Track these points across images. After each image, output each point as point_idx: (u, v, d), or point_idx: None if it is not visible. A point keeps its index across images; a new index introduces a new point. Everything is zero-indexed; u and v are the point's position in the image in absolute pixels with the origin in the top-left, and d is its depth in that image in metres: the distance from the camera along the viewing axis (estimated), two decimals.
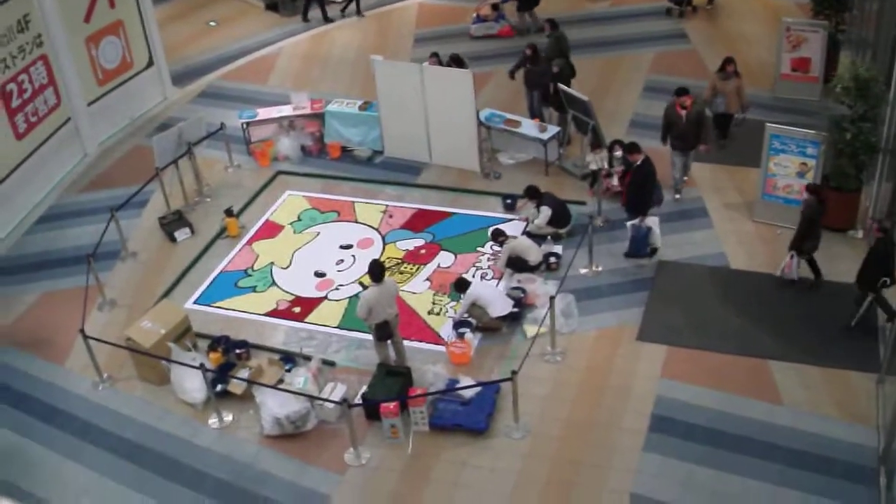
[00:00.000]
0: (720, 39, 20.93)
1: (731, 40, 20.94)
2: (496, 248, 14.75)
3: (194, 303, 14.65)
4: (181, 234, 15.99)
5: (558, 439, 11.72)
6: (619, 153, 15.22)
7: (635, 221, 14.24)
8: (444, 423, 11.98)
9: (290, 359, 13.19)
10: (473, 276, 14.31)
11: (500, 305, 13.37)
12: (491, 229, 14.92)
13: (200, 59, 22.48)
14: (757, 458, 11.20)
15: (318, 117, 18.04)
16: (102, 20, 18.66)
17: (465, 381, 12.42)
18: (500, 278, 14.38)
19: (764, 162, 14.74)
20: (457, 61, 17.70)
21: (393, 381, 12.37)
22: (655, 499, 10.84)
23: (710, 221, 15.13)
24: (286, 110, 18.13)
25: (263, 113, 18.19)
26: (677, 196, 15.54)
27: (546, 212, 14.86)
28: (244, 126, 18.02)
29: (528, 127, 16.85)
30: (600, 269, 14.37)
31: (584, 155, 16.52)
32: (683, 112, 15.09)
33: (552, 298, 12.71)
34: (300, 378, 12.49)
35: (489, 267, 14.68)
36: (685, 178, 15.83)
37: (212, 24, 24.34)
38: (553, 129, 16.69)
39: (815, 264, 13.74)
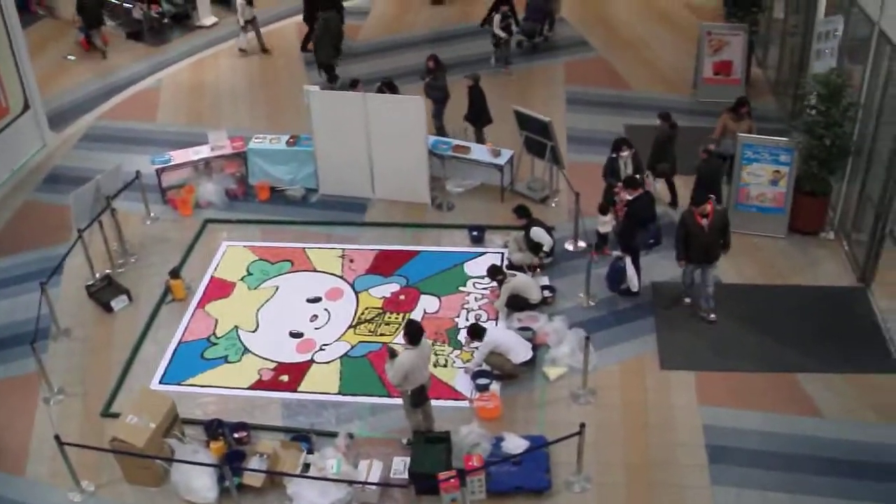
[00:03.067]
0: (621, 45, 20.86)
1: (633, 46, 20.96)
2: (492, 286, 13.82)
3: (160, 383, 12.80)
4: (118, 303, 13.98)
5: (624, 486, 11.07)
6: (625, 153, 14.40)
7: (617, 253, 13.82)
8: (503, 487, 10.97)
9: (303, 437, 11.71)
10: (488, 322, 13.30)
11: (521, 351, 12.47)
12: (487, 267, 13.84)
13: (69, 99, 20.09)
14: (822, 476, 11.03)
15: (240, 156, 16.38)
16: None
17: (511, 438, 11.46)
18: (496, 319, 13.51)
19: (736, 172, 14.69)
20: (389, 87, 16.57)
21: (437, 450, 11.20)
22: None
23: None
24: (204, 151, 16.30)
25: (178, 156, 16.27)
26: (713, 317, 13.38)
27: (540, 232, 13.99)
28: (158, 172, 16.07)
29: (480, 152, 15.98)
30: (594, 299, 13.78)
31: (531, 177, 16.05)
32: (705, 221, 12.83)
33: (587, 339, 12.00)
34: (332, 460, 11.11)
35: (480, 307, 13.74)
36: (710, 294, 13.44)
37: (70, 58, 21.76)
38: (507, 153, 15.88)
39: (674, 187, 15.52)
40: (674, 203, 15.59)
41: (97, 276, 14.39)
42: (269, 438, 11.77)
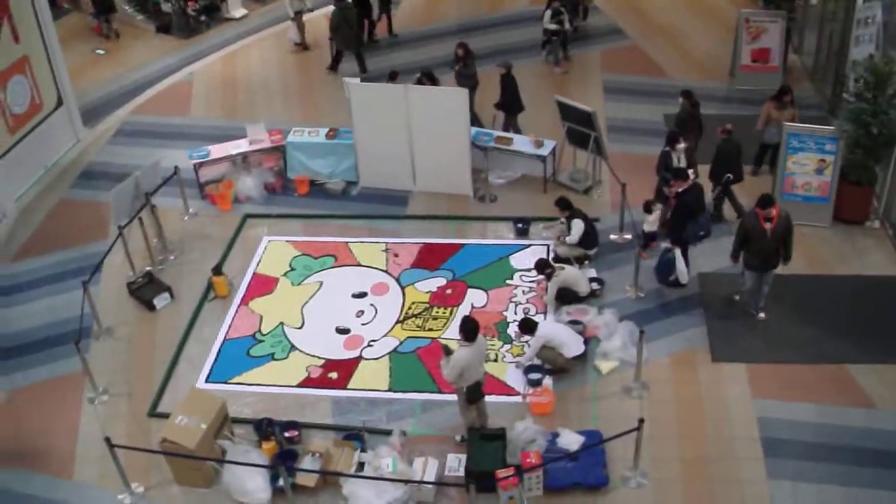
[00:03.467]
0: (656, 33, 20.60)
1: (667, 33, 20.70)
2: (539, 279, 13.67)
3: (206, 382, 12.68)
4: (160, 301, 13.87)
5: (681, 481, 10.94)
6: (682, 145, 14.17)
7: (666, 244, 13.66)
8: (561, 483, 10.85)
9: (356, 436, 11.58)
10: (536, 316, 13.18)
11: (574, 345, 12.33)
12: (535, 261, 13.80)
13: (101, 94, 19.91)
14: (877, 468, 10.95)
15: (278, 150, 16.21)
16: (8, 57, 16.01)
17: (566, 433, 11.34)
18: (544, 312, 13.39)
19: (782, 161, 14.55)
20: (429, 77, 16.41)
21: (493, 447, 11.08)
22: None
23: (731, 227, 14.59)
24: (242, 145, 16.13)
25: (216, 150, 16.10)
26: (762, 315, 13.11)
27: (579, 225, 13.85)
28: (195, 167, 15.92)
29: (522, 143, 15.81)
30: (642, 291, 13.64)
31: (573, 168, 15.92)
32: (769, 225, 12.30)
33: (642, 333, 11.80)
34: (387, 459, 11.00)
35: (528, 301, 13.62)
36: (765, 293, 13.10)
37: (100, 52, 21.60)
38: (549, 144, 15.70)
39: (695, 165, 14.68)
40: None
41: (138, 273, 14.28)
42: (320, 437, 11.68)
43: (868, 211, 14.66)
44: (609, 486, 10.88)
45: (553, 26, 19.03)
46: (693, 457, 11.23)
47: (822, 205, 14.52)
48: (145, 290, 14.03)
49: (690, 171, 13.60)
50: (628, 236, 14.58)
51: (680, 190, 13.25)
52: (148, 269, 14.43)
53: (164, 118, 18.73)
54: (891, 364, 12.27)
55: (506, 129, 16.63)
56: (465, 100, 14.92)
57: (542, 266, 13.51)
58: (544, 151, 15.60)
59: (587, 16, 21.05)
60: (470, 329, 10.89)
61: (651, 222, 14.04)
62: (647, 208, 14.04)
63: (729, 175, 14.44)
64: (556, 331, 12.46)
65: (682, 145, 14.04)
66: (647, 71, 19.01)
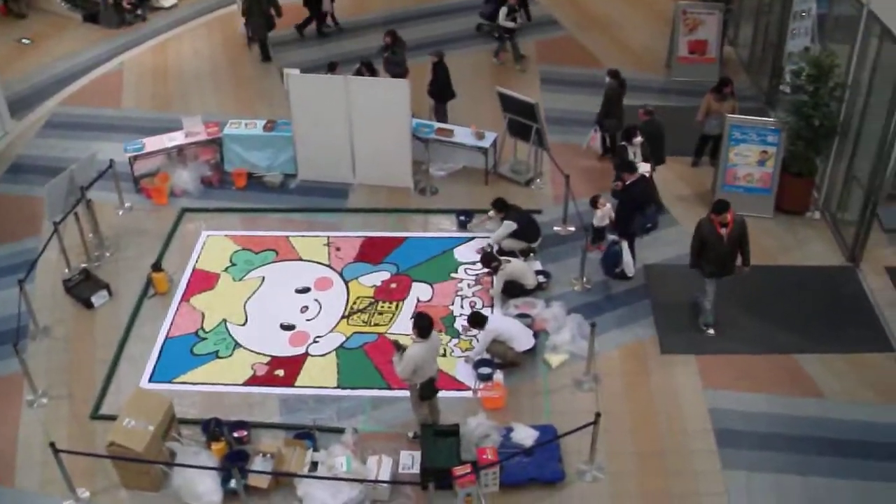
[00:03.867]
0: (591, 24, 20.59)
1: (602, 24, 20.74)
2: (484, 273, 13.64)
3: (150, 381, 12.28)
4: (98, 299, 13.38)
5: (636, 475, 10.98)
6: (638, 139, 14.01)
7: (613, 237, 13.70)
8: (516, 479, 10.79)
9: (307, 434, 11.32)
10: (484, 309, 13.04)
11: (524, 338, 12.26)
12: (479, 254, 13.79)
13: (28, 84, 19.13)
14: (830, 456, 11.12)
15: (215, 143, 15.78)
16: None
17: (520, 428, 11.27)
18: (491, 306, 13.28)
19: (724, 153, 14.67)
20: (368, 68, 16.15)
21: (448, 444, 10.95)
22: None
23: (673, 218, 14.74)
24: (178, 138, 15.65)
25: (151, 143, 15.61)
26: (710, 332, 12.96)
27: (509, 226, 13.84)
28: (130, 161, 15.41)
29: (464, 134, 15.66)
30: (589, 283, 13.63)
31: (514, 159, 15.88)
32: (724, 231, 12.11)
33: (593, 326, 11.79)
34: (341, 458, 10.79)
35: (474, 294, 13.49)
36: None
37: (25, 41, 20.74)
38: (491, 135, 15.58)
39: (615, 143, 15.60)
40: (605, 155, 16.22)
41: (74, 270, 13.76)
42: (270, 437, 11.43)
43: (808, 202, 14.89)
44: (565, 481, 10.83)
45: (510, 24, 18.72)
46: (647, 450, 11.27)
47: (764, 196, 14.69)
48: (82, 287, 13.54)
49: (644, 165, 13.62)
50: (572, 228, 14.56)
51: (628, 182, 13.27)
52: (84, 265, 13.91)
53: (95, 110, 18.10)
54: (836, 353, 12.47)
55: (436, 116, 16.54)
56: (406, 91, 14.69)
57: (487, 259, 13.42)
58: (486, 143, 15.49)
59: (530, 16, 20.94)
60: (424, 325, 10.71)
61: (599, 217, 13.99)
62: (594, 203, 14.00)
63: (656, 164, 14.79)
64: (505, 324, 12.38)
65: (638, 139, 13.97)
66: (583, 62, 18.98)
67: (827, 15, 15.71)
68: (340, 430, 11.34)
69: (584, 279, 13.59)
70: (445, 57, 16.51)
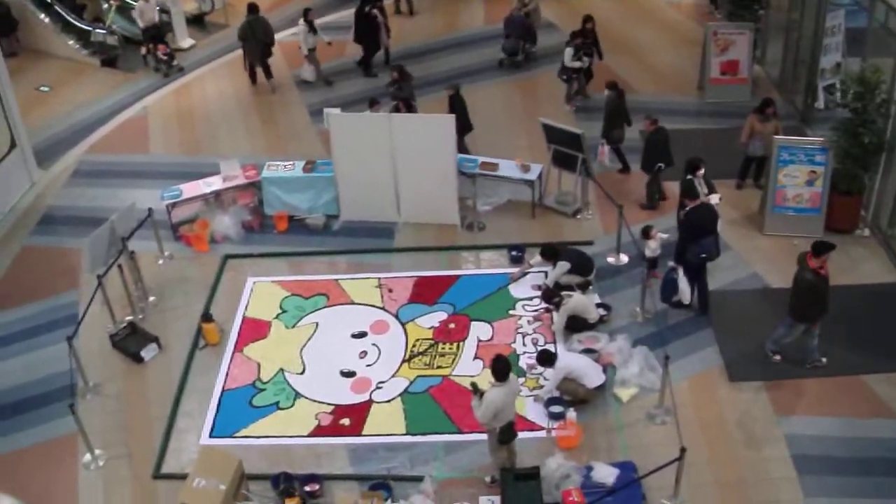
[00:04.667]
0: (617, 49, 20.36)
1: (629, 49, 20.68)
2: (543, 308, 13.46)
3: (210, 437, 11.92)
4: (148, 352, 13.03)
5: None
6: (701, 171, 13.53)
7: (671, 264, 13.42)
8: None
9: (382, 485, 10.99)
10: (547, 346, 12.76)
11: (594, 375, 12.00)
12: (541, 290, 13.56)
13: (51, 133, 18.85)
14: None
15: (253, 186, 15.52)
16: None
17: (599, 466, 11.02)
18: (553, 342, 13.03)
19: (773, 174, 14.51)
20: (406, 104, 15.95)
21: (529, 487, 10.61)
22: None
23: (725, 243, 14.51)
24: (216, 183, 15.37)
25: (188, 189, 15.30)
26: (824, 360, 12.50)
27: (563, 267, 13.60)
28: (168, 208, 15.12)
29: (509, 168, 15.43)
30: (648, 314, 13.37)
31: (559, 191, 15.67)
32: (823, 272, 11.89)
33: (667, 358, 11.46)
34: None
35: (535, 331, 13.24)
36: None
37: (44, 88, 20.49)
38: (537, 168, 15.39)
39: (622, 153, 16.26)
40: (625, 169, 16.43)
41: (119, 324, 13.42)
42: (343, 489, 11.10)
43: (857, 220, 14.73)
44: None
45: (576, 64, 18.21)
46: (729, 480, 11.02)
47: (814, 216, 14.53)
48: (130, 341, 13.20)
49: (714, 196, 13.35)
50: (625, 258, 14.36)
51: (689, 208, 13.07)
52: (129, 318, 13.58)
53: (123, 157, 17.83)
54: None
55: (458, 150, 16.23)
56: (452, 126, 14.50)
57: (549, 295, 13.20)
58: (532, 175, 15.28)
59: (535, 42, 20.79)
60: (502, 369, 10.44)
61: (652, 248, 13.63)
62: (646, 234, 13.69)
63: (660, 164, 15.06)
64: (576, 361, 12.11)
65: (702, 171, 13.57)
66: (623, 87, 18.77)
67: (867, 28, 15.62)
68: (416, 479, 11.04)
69: (644, 310, 13.37)
70: (469, 89, 16.29)
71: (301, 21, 19.66)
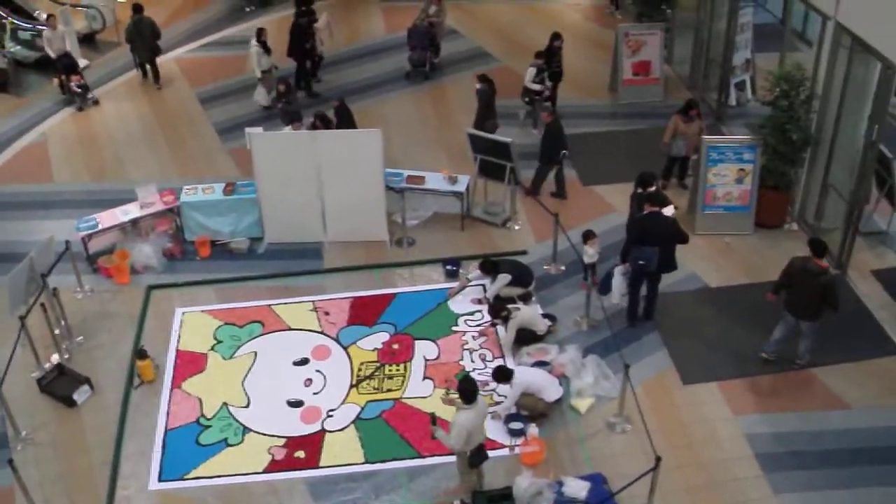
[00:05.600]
0: (523, 53, 19.81)
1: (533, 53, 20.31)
2: (484, 322, 13.27)
3: (160, 481, 11.17)
4: (80, 395, 12.16)
5: None
6: (652, 188, 13.41)
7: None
8: None
9: None
10: (490, 362, 12.61)
11: (553, 388, 11.80)
12: (487, 306, 13.32)
13: None
14: (875, 465, 11.06)
15: (172, 212, 14.75)
16: None
17: (570, 481, 10.80)
18: (502, 357, 12.77)
19: (702, 175, 14.68)
20: (323, 120, 15.42)
21: None
22: None
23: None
24: (133, 210, 14.53)
25: (105, 218, 14.40)
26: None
27: (503, 279, 13.41)
28: (84, 240, 14.20)
29: (436, 180, 15.12)
30: (593, 321, 13.24)
31: (486, 201, 15.53)
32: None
33: (627, 367, 11.31)
34: None
35: (481, 346, 12.95)
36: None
37: None
38: (464, 179, 15.12)
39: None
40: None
41: (45, 366, 12.52)
42: None
43: (784, 215, 15.02)
44: None
45: (537, 87, 17.53)
46: (697, 484, 10.97)
47: (744, 213, 14.78)
48: (59, 384, 12.32)
49: (667, 209, 13.11)
50: (562, 267, 14.25)
51: (642, 214, 12.91)
52: (55, 360, 12.64)
53: (26, 186, 16.69)
54: (852, 362, 12.52)
55: None
56: (379, 140, 14.07)
57: (496, 310, 12.93)
58: (460, 187, 15.03)
59: (438, 54, 20.53)
60: (470, 391, 10.12)
61: (590, 255, 13.50)
62: (586, 239, 13.54)
63: (565, 151, 15.56)
64: (532, 376, 11.87)
65: (653, 188, 13.46)
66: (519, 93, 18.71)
67: (784, 24, 15.92)
68: None
69: (589, 318, 13.26)
70: (379, 101, 16.23)
71: (253, 41, 18.70)
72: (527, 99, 17.78)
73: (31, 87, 20.46)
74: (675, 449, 11.41)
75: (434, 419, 10.38)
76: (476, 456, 10.38)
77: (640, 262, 12.86)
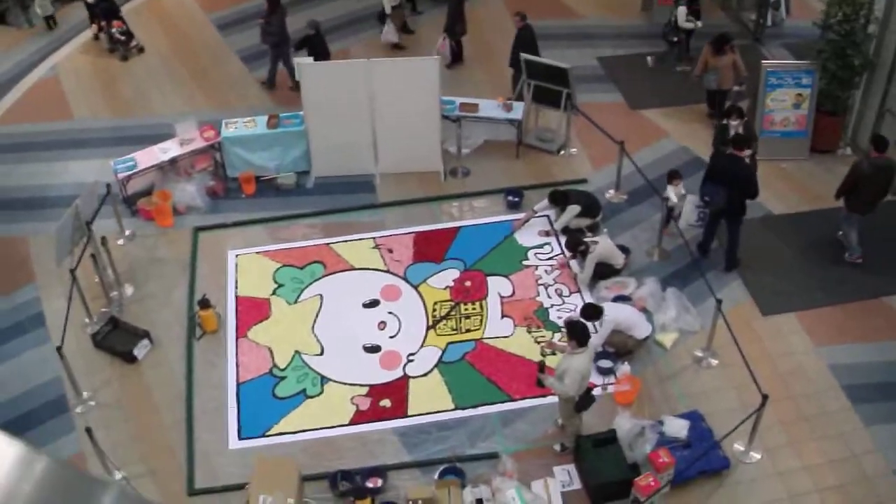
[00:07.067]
0: None
1: None
2: (556, 254, 12.86)
3: (240, 439, 10.68)
4: (140, 350, 11.54)
5: (789, 445, 10.52)
6: (735, 122, 12.94)
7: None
8: (687, 475, 10.02)
9: (451, 469, 10.15)
10: (568, 297, 12.24)
11: (643, 325, 11.47)
12: (555, 239, 12.95)
13: None
14: None
15: (213, 148, 13.92)
16: None
17: (670, 420, 10.54)
18: (578, 291, 12.39)
19: (761, 99, 14.29)
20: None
21: (611, 452, 10.14)
22: None
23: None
24: (173, 148, 13.68)
25: (143, 158, 13.55)
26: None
27: (573, 210, 13.00)
28: (124, 182, 13.37)
29: (490, 108, 14.46)
30: (666, 253, 12.89)
31: (538, 128, 14.94)
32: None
33: (719, 302, 10.98)
34: (510, 491, 9.74)
35: (556, 280, 12.53)
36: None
37: None
38: (519, 106, 14.47)
39: (461, 47, 16.79)
40: (460, 59, 16.90)
41: (97, 320, 11.84)
42: (408, 479, 10.19)
43: (838, 139, 14.69)
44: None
45: (689, 25, 16.36)
46: (790, 419, 10.80)
47: (801, 139, 14.44)
48: (115, 339, 11.67)
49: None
50: (625, 196, 13.83)
51: (728, 153, 12.32)
52: (104, 311, 12.00)
53: (45, 125, 15.64)
54: None
55: None
56: (436, 68, 13.40)
57: (574, 243, 12.48)
58: (516, 115, 14.40)
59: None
60: (583, 333, 9.79)
61: (672, 198, 12.92)
62: (670, 178, 13.01)
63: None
64: (622, 312, 11.47)
65: (736, 122, 12.91)
66: (555, 14, 17.96)
67: None
68: (484, 457, 10.31)
69: (661, 249, 12.89)
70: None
71: None
72: (674, 38, 16.64)
73: (34, 18, 18.88)
74: (764, 383, 10.90)
75: (542, 367, 10.03)
76: (586, 399, 10.06)
77: (706, 199, 12.45)
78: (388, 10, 17.33)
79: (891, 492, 10.04)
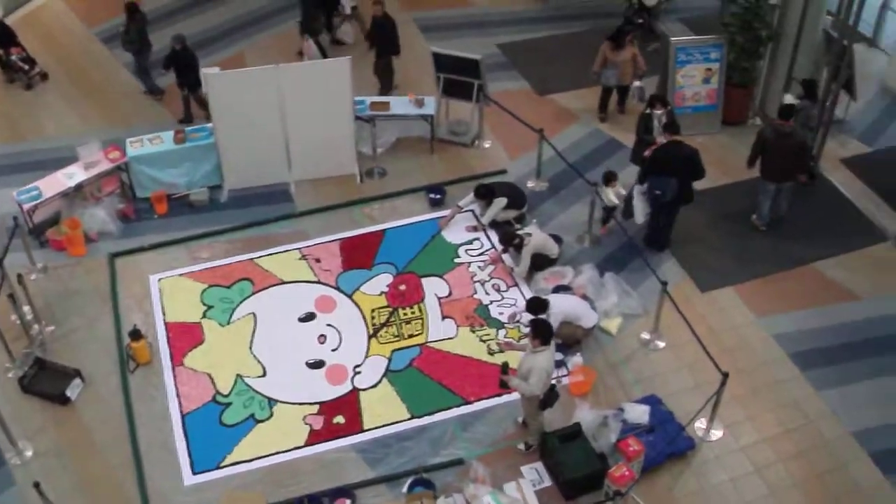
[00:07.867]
0: None
1: None
2: (487, 250, 12.71)
3: (194, 474, 10.08)
4: (73, 390, 10.78)
5: (749, 419, 10.67)
6: (659, 111, 12.87)
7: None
8: (655, 460, 10.07)
9: (420, 481, 9.85)
10: (505, 291, 12.12)
11: (589, 314, 11.41)
12: (499, 234, 12.68)
13: None
14: None
15: (119, 169, 13.17)
16: None
17: (630, 407, 10.56)
18: (515, 284, 12.24)
19: (671, 76, 14.42)
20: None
21: (579, 446, 10.06)
22: (878, 426, 10.50)
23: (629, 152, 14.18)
24: (78, 173, 12.84)
25: (47, 185, 12.67)
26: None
27: (500, 203, 12.90)
28: (28, 212, 12.47)
29: (402, 105, 14.17)
30: (596, 239, 12.92)
31: (449, 121, 14.71)
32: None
33: (664, 284, 11.07)
34: (486, 497, 9.54)
35: (491, 276, 12.36)
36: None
37: None
38: (430, 100, 14.21)
39: (322, 46, 15.67)
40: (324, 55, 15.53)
41: (19, 362, 11.01)
42: (376, 497, 9.85)
43: (747, 110, 15.01)
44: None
45: (653, 1, 16.68)
46: (744, 392, 10.95)
47: (711, 112, 14.72)
48: (44, 381, 10.86)
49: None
50: (545, 184, 13.77)
51: (665, 143, 12.26)
52: (27, 351, 11.18)
53: None
54: (848, 253, 12.75)
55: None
56: (347, 69, 12.98)
57: (509, 237, 12.34)
58: (429, 110, 14.16)
59: None
60: (546, 332, 9.63)
61: (610, 198, 12.87)
62: (607, 180, 12.92)
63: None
64: (568, 302, 11.39)
65: (660, 110, 12.91)
66: (447, 3, 17.75)
67: None
68: (449, 465, 10.09)
69: (591, 236, 12.86)
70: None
71: None
72: (639, 20, 16.60)
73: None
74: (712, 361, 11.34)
75: (506, 368, 9.86)
76: (550, 397, 9.91)
77: (657, 192, 12.40)
78: (347, 11, 16.89)
79: (849, 453, 10.29)
